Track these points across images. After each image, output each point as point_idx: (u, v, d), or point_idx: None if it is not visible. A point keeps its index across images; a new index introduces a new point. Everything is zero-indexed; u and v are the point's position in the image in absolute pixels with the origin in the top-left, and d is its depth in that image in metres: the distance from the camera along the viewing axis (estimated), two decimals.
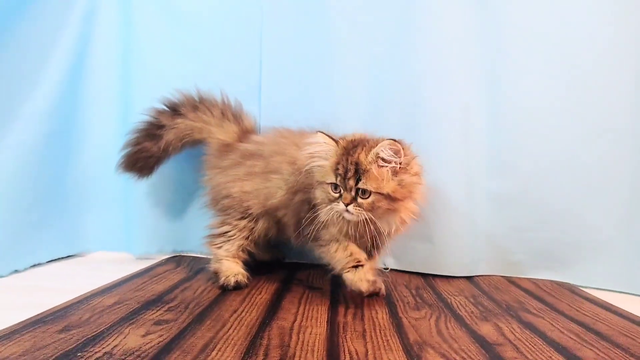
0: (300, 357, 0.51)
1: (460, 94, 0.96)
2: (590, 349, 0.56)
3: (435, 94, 0.96)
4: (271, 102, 1.02)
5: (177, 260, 1.01)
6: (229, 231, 0.85)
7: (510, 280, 0.94)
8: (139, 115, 1.02)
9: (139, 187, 1.04)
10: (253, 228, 0.84)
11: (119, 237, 1.06)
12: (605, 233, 0.92)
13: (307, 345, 0.54)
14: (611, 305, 0.78)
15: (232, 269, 0.82)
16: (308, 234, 0.76)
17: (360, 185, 0.66)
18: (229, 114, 0.94)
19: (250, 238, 0.85)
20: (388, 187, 0.66)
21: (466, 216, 0.95)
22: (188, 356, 0.50)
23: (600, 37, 0.91)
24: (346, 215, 0.68)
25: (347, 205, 0.67)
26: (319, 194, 0.71)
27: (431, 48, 0.96)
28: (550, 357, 0.53)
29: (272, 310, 0.68)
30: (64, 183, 1.01)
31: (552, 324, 0.66)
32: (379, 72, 0.99)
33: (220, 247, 0.85)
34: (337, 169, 0.68)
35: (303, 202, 0.76)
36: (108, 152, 1.05)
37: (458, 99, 0.96)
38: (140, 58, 1.03)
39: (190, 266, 0.95)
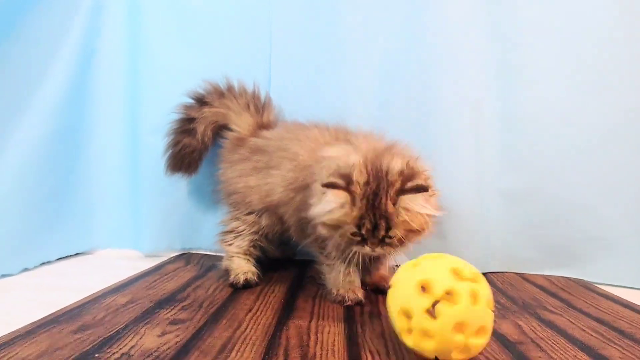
0: (321, 357, 0.50)
1: (472, 89, 0.95)
2: (615, 348, 0.55)
3: (446, 88, 0.95)
4: (281, 96, 1.00)
5: (186, 257, 1.00)
6: (239, 227, 0.84)
7: (523, 277, 0.93)
8: (147, 110, 1.02)
9: (147, 184, 1.03)
10: (260, 224, 0.83)
11: (127, 235, 1.05)
12: (619, 229, 0.91)
13: (327, 345, 0.54)
14: (629, 302, 0.77)
15: (243, 267, 0.81)
16: (311, 237, 0.74)
17: (391, 233, 0.61)
18: (253, 106, 0.93)
19: (260, 233, 0.84)
20: (416, 223, 0.61)
21: (478, 213, 0.94)
22: (207, 357, 0.49)
23: (616, 32, 0.89)
24: (372, 253, 0.64)
25: (374, 249, 0.63)
26: (331, 234, 0.65)
27: (443, 43, 0.94)
28: (575, 355, 0.52)
29: (287, 309, 0.67)
30: (73, 180, 1.00)
31: (572, 321, 0.65)
32: (390, 66, 0.97)
33: (231, 244, 0.84)
34: (363, 223, 0.61)
35: (305, 202, 0.71)
36: (117, 148, 1.04)
37: (470, 95, 0.95)
38: (149, 53, 1.01)
39: (201, 264, 0.95)
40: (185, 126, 0.94)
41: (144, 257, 1.02)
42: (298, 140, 0.79)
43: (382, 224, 0.61)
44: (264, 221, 0.83)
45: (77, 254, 1.02)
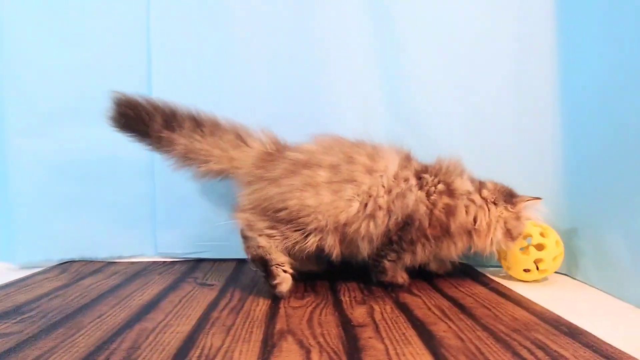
0: (144, 357, 0.48)
1: (361, 84, 0.98)
2: (445, 322, 0.59)
3: (336, 84, 0.98)
4: (164, 94, 0.95)
5: (64, 267, 0.93)
6: (275, 235, 0.74)
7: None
8: (14, 110, 0.93)
9: (20, 189, 0.95)
10: (301, 242, 0.74)
11: None
12: None
13: (160, 345, 0.52)
14: (490, 279, 0.84)
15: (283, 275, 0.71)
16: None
17: None
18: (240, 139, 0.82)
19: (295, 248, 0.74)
20: None
21: None
22: None
23: (484, 30, 0.96)
24: None
25: None
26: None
27: (331, 40, 0.97)
28: (404, 333, 0.55)
29: (145, 311, 0.64)
30: None
31: (424, 301, 0.69)
32: (280, 62, 0.98)
33: (261, 235, 0.74)
34: None
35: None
36: None
37: (359, 89, 0.98)
38: (12, 48, 0.93)
39: (77, 272, 0.88)
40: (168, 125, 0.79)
41: (17, 270, 0.94)
42: (370, 158, 0.77)
43: None
44: (329, 241, 0.74)
45: None
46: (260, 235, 0.74)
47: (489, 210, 0.78)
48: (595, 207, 0.81)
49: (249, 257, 0.74)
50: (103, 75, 0.95)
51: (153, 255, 1.02)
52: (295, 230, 0.74)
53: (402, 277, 0.79)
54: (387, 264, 0.78)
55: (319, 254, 0.77)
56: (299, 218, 0.73)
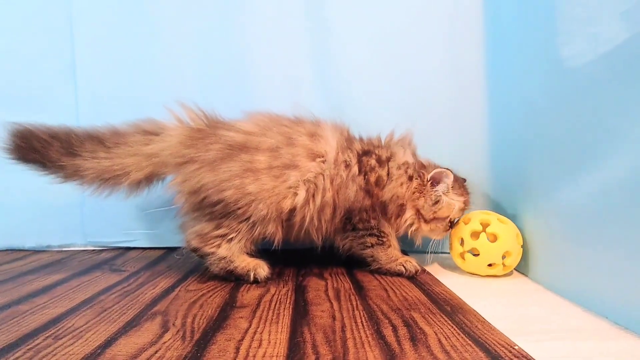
0: None
1: (291, 67, 0.96)
2: (331, 303, 0.57)
3: (266, 68, 0.96)
4: (89, 82, 0.95)
5: None
6: (229, 234, 0.70)
7: None
8: None
9: None
10: (256, 231, 0.70)
11: None
12: None
13: (19, 325, 0.50)
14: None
15: (251, 262, 0.70)
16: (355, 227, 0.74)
17: None
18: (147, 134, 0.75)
19: (254, 238, 0.71)
20: None
21: None
22: None
23: (416, 17, 0.94)
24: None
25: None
26: (435, 227, 0.75)
27: (261, 23, 0.95)
28: (279, 313, 0.53)
29: (32, 295, 0.62)
30: None
31: (327, 284, 0.67)
32: (209, 46, 0.96)
33: (219, 247, 0.70)
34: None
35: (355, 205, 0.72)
36: None
37: (289, 73, 0.96)
38: None
39: None
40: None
41: None
42: (311, 136, 0.73)
43: None
44: (258, 230, 0.70)
45: None
46: (213, 245, 0.69)
47: (410, 182, 0.74)
48: (513, 186, 0.79)
49: (214, 273, 0.70)
50: (28, 62, 0.93)
51: (84, 244, 1.00)
52: (240, 222, 0.69)
53: (409, 263, 0.74)
54: (368, 251, 0.74)
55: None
56: (238, 209, 0.68)
